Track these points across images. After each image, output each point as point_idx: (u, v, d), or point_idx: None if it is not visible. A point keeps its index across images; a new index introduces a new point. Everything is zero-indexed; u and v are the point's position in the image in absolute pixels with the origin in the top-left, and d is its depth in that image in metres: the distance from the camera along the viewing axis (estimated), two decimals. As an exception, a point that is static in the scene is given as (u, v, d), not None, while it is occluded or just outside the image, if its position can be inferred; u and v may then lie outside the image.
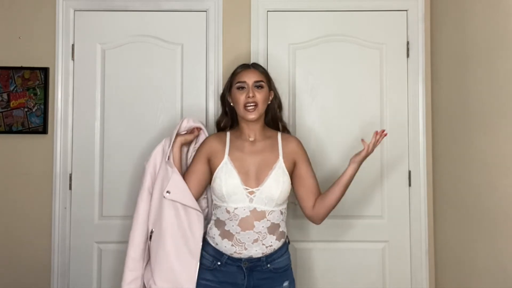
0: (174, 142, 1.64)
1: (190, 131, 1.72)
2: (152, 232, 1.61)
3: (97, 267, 2.09)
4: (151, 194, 1.63)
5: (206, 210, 1.71)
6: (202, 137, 1.73)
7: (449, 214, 1.94)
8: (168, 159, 1.62)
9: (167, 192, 1.57)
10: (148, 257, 1.62)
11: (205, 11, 2.13)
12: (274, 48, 2.12)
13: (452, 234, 1.91)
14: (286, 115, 2.09)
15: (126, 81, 2.11)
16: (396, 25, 2.12)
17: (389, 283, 2.09)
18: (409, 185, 2.10)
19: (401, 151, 2.10)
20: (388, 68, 2.11)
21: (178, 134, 1.67)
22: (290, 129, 2.08)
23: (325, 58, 2.12)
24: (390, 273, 2.09)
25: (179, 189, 1.57)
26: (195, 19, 2.13)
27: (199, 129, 1.73)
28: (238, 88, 1.61)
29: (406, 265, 2.09)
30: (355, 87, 2.11)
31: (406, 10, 2.12)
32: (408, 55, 2.11)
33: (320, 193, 1.63)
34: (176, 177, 1.58)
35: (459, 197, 1.84)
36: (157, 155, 1.67)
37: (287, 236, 1.65)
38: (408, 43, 2.12)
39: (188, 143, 1.71)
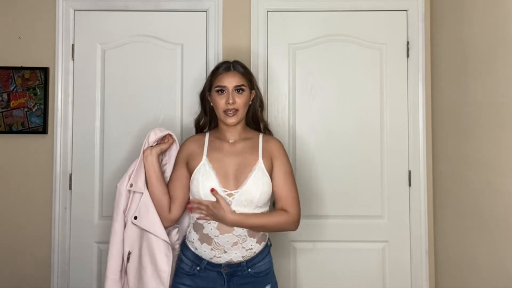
0: (145, 156, 1.58)
1: (162, 140, 1.66)
2: (129, 253, 1.57)
3: (97, 267, 2.09)
4: (126, 216, 1.59)
5: (177, 245, 1.62)
6: (174, 146, 1.67)
7: (449, 214, 1.94)
8: (131, 186, 1.56)
9: (134, 217, 1.54)
10: (126, 276, 1.59)
11: (205, 11, 2.13)
12: (274, 48, 2.12)
13: (452, 234, 1.91)
14: (286, 115, 2.10)
15: (126, 81, 2.11)
16: (396, 25, 2.12)
17: (389, 283, 2.09)
18: (409, 185, 2.10)
19: (401, 151, 2.10)
20: (388, 68, 2.11)
21: (150, 148, 1.61)
22: (290, 129, 2.09)
23: (325, 58, 2.12)
24: (390, 273, 2.09)
25: (146, 215, 1.54)
26: (195, 19, 2.13)
27: (170, 135, 1.66)
28: (218, 91, 1.56)
29: (406, 265, 2.09)
30: (355, 87, 2.11)
31: (406, 10, 2.12)
32: (408, 55, 2.11)
33: (286, 199, 1.54)
34: (146, 200, 1.55)
35: (459, 197, 1.84)
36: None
37: (268, 239, 1.62)
38: (408, 43, 2.11)
39: (164, 152, 1.65)
